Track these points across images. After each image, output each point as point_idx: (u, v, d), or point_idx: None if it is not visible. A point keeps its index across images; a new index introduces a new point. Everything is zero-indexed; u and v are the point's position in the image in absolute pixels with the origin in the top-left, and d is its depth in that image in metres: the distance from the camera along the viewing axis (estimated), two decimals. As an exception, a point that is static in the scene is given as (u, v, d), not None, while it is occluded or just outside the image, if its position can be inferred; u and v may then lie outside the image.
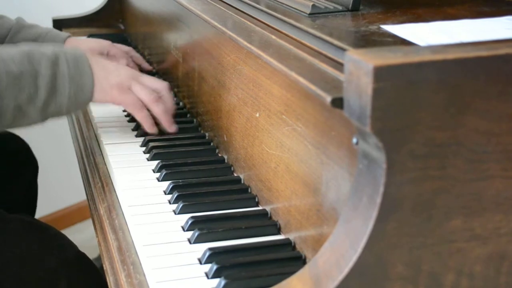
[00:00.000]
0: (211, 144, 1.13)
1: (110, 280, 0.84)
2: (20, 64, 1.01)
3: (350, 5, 0.94)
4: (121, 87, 1.10)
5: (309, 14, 0.93)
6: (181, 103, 1.31)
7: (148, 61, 1.58)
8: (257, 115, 0.93)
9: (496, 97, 0.61)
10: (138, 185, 1.00)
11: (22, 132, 1.48)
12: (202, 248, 0.82)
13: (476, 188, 0.63)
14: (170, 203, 0.95)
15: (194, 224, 0.88)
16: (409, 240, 0.62)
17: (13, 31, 1.41)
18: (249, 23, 0.98)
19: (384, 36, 0.80)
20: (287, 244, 0.84)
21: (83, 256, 1.16)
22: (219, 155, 1.10)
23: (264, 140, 0.92)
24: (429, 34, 0.79)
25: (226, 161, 1.07)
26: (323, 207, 0.76)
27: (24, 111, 1.02)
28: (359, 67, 0.58)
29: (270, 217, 0.91)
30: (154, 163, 1.06)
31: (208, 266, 0.79)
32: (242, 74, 0.98)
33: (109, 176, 1.07)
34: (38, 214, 1.69)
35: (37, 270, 1.09)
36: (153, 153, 1.09)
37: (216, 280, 0.76)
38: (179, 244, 0.84)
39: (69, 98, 1.05)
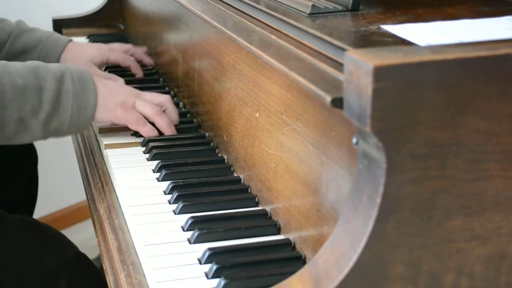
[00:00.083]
0: (211, 144, 1.13)
1: (110, 280, 0.84)
2: (26, 78, 1.03)
3: (350, 5, 0.94)
4: (125, 105, 1.12)
5: (309, 14, 0.93)
6: (181, 103, 1.31)
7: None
8: (257, 115, 0.93)
9: (496, 97, 0.61)
10: (138, 185, 1.00)
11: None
12: (202, 248, 0.82)
13: (476, 188, 0.63)
14: (170, 203, 0.95)
15: (194, 224, 0.88)
16: (409, 240, 0.62)
17: (14, 35, 1.41)
18: (249, 23, 0.98)
19: (384, 36, 0.80)
20: (287, 244, 0.84)
21: (83, 256, 1.17)
22: (219, 155, 1.10)
23: (264, 140, 0.92)
24: (429, 34, 0.79)
25: (226, 161, 1.07)
26: (323, 207, 0.76)
27: (26, 124, 1.03)
28: (359, 67, 0.58)
29: (270, 217, 0.91)
30: (154, 163, 1.06)
31: (208, 266, 0.79)
32: (242, 74, 0.98)
33: (109, 176, 1.07)
34: (38, 214, 1.69)
35: (37, 270, 1.09)
36: (153, 153, 1.09)
37: (216, 280, 0.76)
38: (179, 244, 0.84)
39: (72, 114, 1.06)
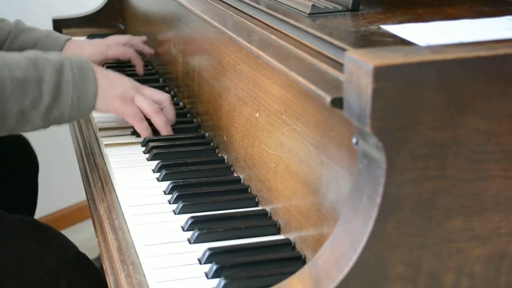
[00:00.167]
0: (211, 144, 1.13)
1: (110, 280, 0.84)
2: (25, 70, 1.03)
3: (350, 5, 0.94)
4: (124, 98, 1.11)
5: (309, 14, 0.93)
6: (181, 103, 1.31)
7: (148, 61, 1.58)
8: (257, 115, 0.93)
9: (496, 97, 0.61)
10: (138, 185, 1.00)
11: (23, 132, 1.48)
12: (202, 248, 0.82)
13: (476, 188, 0.63)
14: (170, 203, 0.95)
15: (194, 224, 0.88)
16: (409, 240, 0.62)
17: (12, 35, 1.41)
18: (249, 23, 0.98)
19: (384, 36, 0.80)
20: (287, 244, 0.84)
21: (83, 256, 1.16)
22: (219, 155, 1.10)
23: (264, 140, 0.92)
24: (429, 34, 0.79)
25: (226, 161, 1.07)
26: (323, 207, 0.76)
27: (27, 116, 1.03)
28: (359, 67, 0.58)
29: (270, 217, 0.91)
30: (154, 163, 1.06)
31: (208, 266, 0.79)
32: (242, 74, 0.98)
33: (109, 176, 1.07)
34: (38, 214, 1.69)
35: (37, 270, 1.09)
36: (153, 153, 1.09)
37: (216, 280, 0.76)
38: (179, 244, 0.84)
39: (72, 105, 1.06)
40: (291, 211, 0.84)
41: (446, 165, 0.61)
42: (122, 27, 1.91)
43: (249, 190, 0.97)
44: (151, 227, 0.88)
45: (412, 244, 0.62)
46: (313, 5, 0.94)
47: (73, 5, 2.21)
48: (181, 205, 0.92)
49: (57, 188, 2.36)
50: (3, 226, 1.14)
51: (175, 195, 0.95)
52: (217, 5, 1.13)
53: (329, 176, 0.75)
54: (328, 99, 0.65)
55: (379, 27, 0.84)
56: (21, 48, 1.39)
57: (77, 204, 2.49)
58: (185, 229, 0.88)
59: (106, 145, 1.14)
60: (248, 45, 0.89)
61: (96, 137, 1.22)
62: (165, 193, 0.98)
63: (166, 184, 0.99)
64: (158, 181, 1.02)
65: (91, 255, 1.32)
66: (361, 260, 0.61)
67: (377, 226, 0.61)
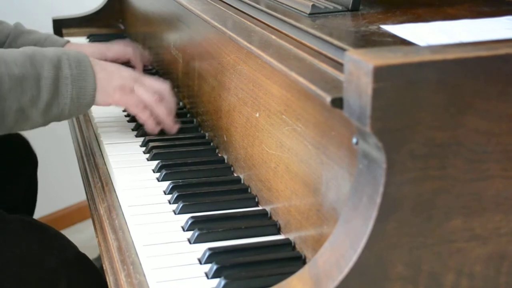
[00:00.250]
0: (211, 144, 1.13)
1: (110, 280, 0.84)
2: (23, 67, 1.02)
3: (350, 5, 0.94)
4: (123, 89, 1.10)
5: (309, 14, 0.93)
6: (181, 103, 1.31)
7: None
8: (257, 115, 0.93)
9: (496, 97, 0.61)
10: (138, 185, 1.00)
11: (22, 131, 1.48)
12: (202, 248, 0.82)
13: (476, 188, 0.63)
14: (170, 203, 0.95)
15: (194, 224, 0.88)
16: (409, 240, 0.62)
17: (11, 37, 1.41)
18: (249, 23, 0.98)
19: (384, 36, 0.80)
20: (287, 244, 0.84)
21: (83, 256, 1.16)
22: (219, 155, 1.10)
23: (264, 140, 0.92)
24: (429, 34, 0.79)
25: (226, 161, 1.07)
26: (323, 207, 0.76)
27: (26, 114, 1.02)
28: (359, 67, 0.58)
29: (270, 217, 0.91)
30: (154, 163, 1.06)
31: (208, 266, 0.79)
32: (242, 74, 0.98)
33: (109, 176, 1.07)
34: (38, 214, 1.69)
35: (37, 270, 1.09)
36: (153, 153, 1.09)
37: (216, 280, 0.76)
38: (179, 244, 0.84)
39: (71, 100, 1.05)
40: (291, 211, 0.84)
41: (446, 165, 0.61)
42: (122, 27, 1.91)
43: (249, 190, 0.97)
44: (151, 227, 0.88)
45: (412, 244, 0.62)
46: (313, 5, 0.94)
47: (73, 5, 2.21)
48: (181, 205, 0.92)
49: (57, 188, 2.36)
50: (3, 226, 1.14)
51: (175, 195, 0.95)
52: (217, 5, 1.13)
53: (329, 176, 0.75)
54: (328, 99, 0.65)
55: (379, 27, 0.84)
56: None
57: (77, 204, 2.49)
58: (185, 229, 0.88)
59: (106, 145, 1.14)
60: (248, 45, 0.89)
61: (96, 137, 1.22)
62: (165, 193, 0.98)
63: (166, 184, 0.99)
64: (158, 181, 1.02)
65: (91, 255, 1.32)
66: (361, 260, 0.61)
67: (377, 226, 0.61)
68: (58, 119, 1.07)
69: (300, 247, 0.82)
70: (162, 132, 1.17)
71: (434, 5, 0.97)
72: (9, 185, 1.53)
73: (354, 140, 0.64)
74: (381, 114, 0.58)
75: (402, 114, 0.59)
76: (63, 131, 1.65)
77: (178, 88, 1.35)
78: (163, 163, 1.05)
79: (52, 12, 1.97)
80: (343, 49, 0.75)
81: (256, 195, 0.95)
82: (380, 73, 0.57)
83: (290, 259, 0.81)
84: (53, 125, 1.13)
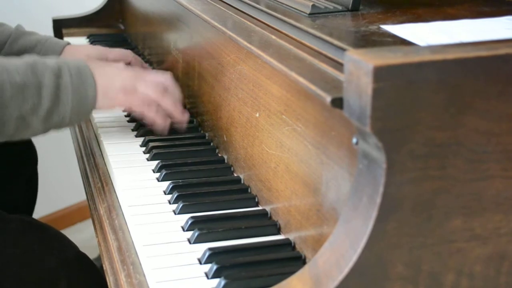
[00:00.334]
0: (211, 144, 1.13)
1: (110, 280, 0.84)
2: (24, 75, 1.03)
3: (350, 5, 0.94)
4: (126, 90, 1.10)
5: (309, 14, 0.93)
6: (181, 103, 1.31)
7: (148, 61, 1.58)
8: (257, 115, 0.93)
9: (496, 97, 0.61)
10: (138, 185, 1.00)
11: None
12: (202, 248, 0.82)
13: (476, 188, 0.63)
14: (170, 203, 0.95)
15: (194, 224, 0.88)
16: (409, 240, 0.62)
17: (12, 38, 1.41)
18: (249, 23, 0.98)
19: (384, 36, 0.80)
20: (287, 244, 0.84)
21: (83, 256, 1.16)
22: (219, 155, 1.10)
23: (264, 140, 0.92)
24: (429, 34, 0.79)
25: (226, 161, 1.07)
26: (323, 207, 0.76)
27: (27, 122, 1.03)
28: (359, 67, 0.58)
29: (270, 217, 0.91)
30: (154, 163, 1.06)
31: (208, 266, 0.79)
32: (242, 74, 0.98)
33: (109, 176, 1.07)
34: (38, 214, 1.69)
35: (37, 270, 1.09)
36: (153, 153, 1.09)
37: (216, 280, 0.76)
38: (179, 244, 0.84)
39: (72, 109, 1.06)
40: (291, 211, 0.84)
41: (446, 165, 0.61)
42: (122, 27, 1.91)
43: (249, 190, 0.97)
44: (151, 227, 0.88)
45: (412, 244, 0.62)
46: (313, 5, 0.94)
47: (73, 5, 2.21)
48: (181, 205, 0.92)
49: (57, 188, 2.36)
50: (3, 226, 1.14)
51: (175, 195, 0.95)
52: (217, 5, 1.13)
53: (329, 176, 0.75)
54: (328, 99, 0.65)
55: (379, 27, 0.84)
56: (20, 51, 1.40)
57: (77, 204, 2.49)
58: (185, 229, 0.88)
59: (106, 145, 1.14)
60: (248, 45, 0.89)
61: (96, 137, 1.22)
62: (165, 193, 0.98)
63: (166, 184, 0.99)
64: (158, 181, 1.02)
65: (91, 255, 1.32)
66: (361, 260, 0.61)
67: (377, 226, 0.61)
68: (59, 127, 1.07)
69: (300, 247, 0.82)
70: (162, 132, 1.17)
71: (434, 5, 0.97)
72: (9, 185, 1.53)
73: (354, 140, 0.64)
74: (381, 114, 0.58)
75: (402, 114, 0.59)
76: (63, 131, 1.64)
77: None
78: (163, 163, 1.05)
79: (52, 12, 1.97)
80: (343, 49, 0.75)
81: (256, 195, 0.95)
82: (380, 73, 0.57)
83: (290, 259, 0.81)
84: (53, 125, 1.13)
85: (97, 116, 1.27)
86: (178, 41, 1.32)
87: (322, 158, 0.76)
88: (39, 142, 1.72)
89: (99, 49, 1.46)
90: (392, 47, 0.64)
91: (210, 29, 1.11)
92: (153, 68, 1.55)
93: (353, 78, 0.59)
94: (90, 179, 1.11)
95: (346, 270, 0.61)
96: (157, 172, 1.04)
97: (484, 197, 0.64)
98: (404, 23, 0.85)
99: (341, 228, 0.64)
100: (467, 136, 0.61)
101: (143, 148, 1.13)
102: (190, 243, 0.85)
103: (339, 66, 0.73)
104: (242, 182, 1.00)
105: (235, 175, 1.03)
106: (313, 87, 0.69)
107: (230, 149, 1.05)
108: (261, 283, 0.75)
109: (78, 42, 1.76)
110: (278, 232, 0.88)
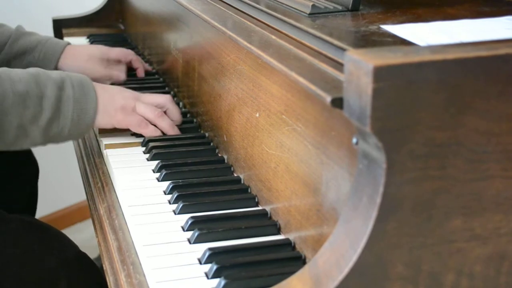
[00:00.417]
0: (211, 144, 1.13)
1: (110, 280, 0.84)
2: (27, 85, 1.04)
3: (350, 5, 0.94)
4: (125, 109, 1.12)
5: (309, 14, 0.93)
6: (181, 103, 1.31)
7: (148, 61, 1.58)
8: (257, 115, 0.93)
9: (496, 97, 0.61)
10: (138, 185, 1.00)
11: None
12: (202, 248, 0.82)
13: (476, 188, 0.63)
14: (170, 203, 0.95)
15: (194, 224, 0.88)
16: (409, 240, 0.62)
17: (12, 38, 1.42)
18: (249, 23, 0.98)
19: (384, 36, 0.80)
20: (287, 244, 0.84)
21: (83, 256, 1.16)
22: (219, 155, 1.10)
23: (264, 140, 0.92)
24: (429, 34, 0.79)
25: (226, 161, 1.07)
26: (323, 207, 0.76)
27: (27, 131, 1.04)
28: (359, 67, 0.58)
29: (270, 217, 0.91)
30: (154, 163, 1.06)
31: (208, 266, 0.79)
32: (242, 74, 0.98)
33: (109, 176, 1.07)
34: (38, 214, 1.69)
35: (37, 270, 1.09)
36: (153, 153, 1.09)
37: (216, 280, 0.76)
38: (179, 244, 0.84)
39: (72, 121, 1.07)
40: (291, 211, 0.84)
41: (446, 165, 0.61)
42: (122, 27, 1.91)
43: (249, 190, 0.97)
44: (151, 227, 0.88)
45: (412, 244, 0.62)
46: (313, 5, 0.94)
47: (73, 5, 2.21)
48: (181, 205, 0.92)
49: (57, 188, 2.36)
50: (3, 226, 1.14)
51: (175, 195, 0.95)
52: (217, 5, 1.13)
53: (329, 176, 0.75)
54: (328, 99, 0.65)
55: (379, 27, 0.84)
56: (21, 51, 1.40)
57: (77, 204, 2.49)
58: (185, 229, 0.88)
59: (106, 145, 1.14)
60: (248, 45, 0.89)
61: (96, 137, 1.22)
62: (165, 193, 0.98)
63: (166, 184, 0.99)
64: (158, 181, 1.02)
65: (91, 255, 1.32)
66: (361, 260, 0.61)
67: (377, 226, 0.61)
68: (58, 139, 1.08)
69: (300, 247, 0.82)
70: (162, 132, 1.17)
71: (434, 5, 0.97)
72: (9, 185, 1.53)
73: (354, 140, 0.64)
74: (381, 114, 0.58)
75: (402, 114, 0.59)
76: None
77: (178, 88, 1.35)
78: (163, 163, 1.05)
79: (52, 12, 1.97)
80: (343, 49, 0.75)
81: (256, 195, 0.95)
82: (380, 73, 0.57)
83: (290, 259, 0.81)
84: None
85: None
86: (178, 41, 1.32)
87: (322, 158, 0.76)
88: (39, 142, 1.71)
89: (100, 49, 1.46)
90: (392, 47, 0.64)
91: (210, 29, 1.11)
92: (153, 68, 1.55)
93: (353, 78, 0.59)
94: (90, 179, 1.11)
95: (346, 270, 0.61)
96: (157, 172, 1.04)
97: (484, 197, 0.64)
98: (404, 23, 0.85)
99: (341, 228, 0.64)
100: (467, 136, 0.61)
101: (143, 148, 1.13)
102: (190, 243, 0.85)
103: (339, 66, 0.73)
104: (242, 182, 1.00)
105: (235, 175, 1.03)
106: (313, 87, 0.69)
107: (230, 149, 1.05)
108: (261, 283, 0.75)
109: (78, 42, 1.76)
110: (278, 232, 0.88)
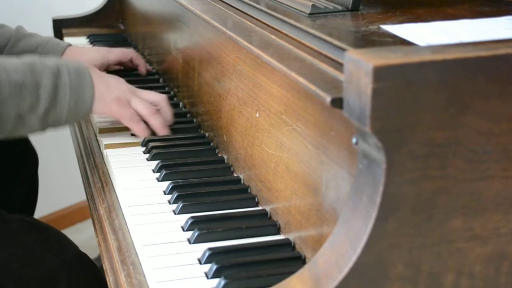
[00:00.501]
0: (211, 144, 1.13)
1: (110, 280, 0.84)
2: (23, 74, 1.04)
3: (350, 5, 0.94)
4: (120, 101, 1.12)
5: (309, 14, 0.93)
6: (181, 103, 1.31)
7: (148, 61, 1.58)
8: (257, 115, 0.93)
9: (496, 97, 0.61)
10: (138, 185, 1.00)
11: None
12: (202, 248, 0.82)
13: (476, 188, 0.63)
14: (170, 203, 0.95)
15: (194, 224, 0.88)
16: (409, 240, 0.62)
17: (13, 40, 1.42)
18: (249, 23, 0.98)
19: (384, 36, 0.80)
20: (287, 244, 0.84)
21: (83, 255, 1.16)
22: (219, 155, 1.10)
23: (264, 140, 0.92)
24: (429, 34, 0.79)
25: (226, 161, 1.07)
26: (323, 207, 0.76)
27: (24, 120, 1.04)
28: (359, 67, 0.58)
29: (270, 217, 0.91)
30: (154, 163, 1.06)
31: (208, 266, 0.79)
32: (242, 74, 0.98)
33: (109, 176, 1.07)
34: (38, 214, 1.69)
35: (37, 270, 1.09)
36: (153, 153, 1.09)
37: (216, 280, 0.76)
38: (179, 244, 0.84)
39: (69, 108, 1.07)
40: (291, 211, 0.84)
41: (446, 165, 0.61)
42: (122, 27, 1.91)
43: (249, 190, 0.97)
44: (151, 227, 0.88)
45: (412, 244, 0.62)
46: (313, 5, 0.94)
47: (73, 5, 2.21)
48: (181, 205, 0.92)
49: (57, 188, 2.36)
50: (3, 226, 1.14)
51: (175, 195, 0.95)
52: (217, 5, 1.13)
53: (329, 176, 0.75)
54: (328, 99, 0.65)
55: (379, 27, 0.84)
56: (21, 53, 1.40)
57: (77, 204, 2.49)
58: (185, 229, 0.88)
59: (106, 145, 1.14)
60: (248, 45, 0.89)
61: (96, 137, 1.22)
62: (165, 193, 0.98)
63: (166, 184, 0.99)
64: (158, 181, 1.02)
65: (91, 255, 1.32)
66: (361, 260, 0.61)
67: (377, 226, 0.61)
68: (55, 125, 1.08)
69: (300, 247, 0.82)
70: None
71: (434, 5, 0.97)
72: (9, 185, 1.53)
73: (354, 140, 0.64)
74: (381, 114, 0.58)
75: (402, 114, 0.59)
76: (63, 131, 1.64)
77: (178, 88, 1.35)
78: (163, 163, 1.05)
79: (52, 12, 1.97)
80: (343, 49, 0.75)
81: (256, 195, 0.95)
82: (380, 73, 0.57)
83: (290, 259, 0.81)
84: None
85: (97, 116, 1.27)
86: (178, 41, 1.32)
87: (322, 158, 0.76)
88: (39, 142, 1.72)
89: (100, 51, 1.46)
90: (392, 47, 0.64)
91: (210, 29, 1.11)
92: (153, 68, 1.55)
93: (353, 78, 0.59)
94: (90, 179, 1.11)
95: (346, 270, 0.61)
96: (157, 172, 1.04)
97: (484, 197, 0.64)
98: (404, 23, 0.85)
99: (341, 228, 0.64)
100: (467, 136, 0.61)
101: (143, 148, 1.13)
102: (190, 243, 0.85)
103: (339, 66, 0.73)
104: (242, 182, 1.00)
105: (235, 175, 1.03)
106: (313, 87, 0.69)
107: (230, 149, 1.05)
108: (261, 283, 0.75)
109: (78, 42, 1.76)
110: (278, 232, 0.88)
